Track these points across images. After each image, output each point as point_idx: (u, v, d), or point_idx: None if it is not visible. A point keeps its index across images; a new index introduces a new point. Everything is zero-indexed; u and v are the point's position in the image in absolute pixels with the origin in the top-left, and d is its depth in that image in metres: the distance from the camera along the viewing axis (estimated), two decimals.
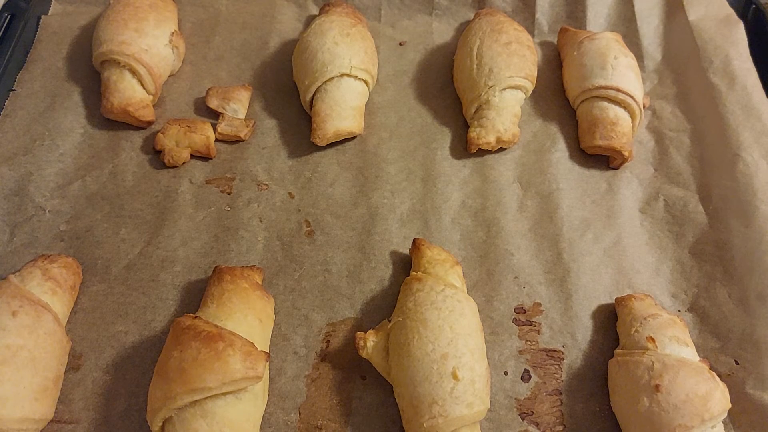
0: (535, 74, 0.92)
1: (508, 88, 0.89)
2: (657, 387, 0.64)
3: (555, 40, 1.03)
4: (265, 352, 0.64)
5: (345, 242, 0.81)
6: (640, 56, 0.99)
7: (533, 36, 1.02)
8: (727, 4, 1.00)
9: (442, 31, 1.04)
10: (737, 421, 0.69)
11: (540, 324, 0.75)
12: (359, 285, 0.78)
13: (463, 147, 0.90)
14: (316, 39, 0.90)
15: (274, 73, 0.97)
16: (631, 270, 0.80)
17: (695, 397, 0.63)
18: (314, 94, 0.89)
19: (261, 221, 0.83)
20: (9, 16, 0.98)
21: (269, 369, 0.70)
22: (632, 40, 1.00)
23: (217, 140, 0.89)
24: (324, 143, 0.87)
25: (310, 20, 1.03)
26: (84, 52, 0.96)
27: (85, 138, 0.89)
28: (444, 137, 0.92)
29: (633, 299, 0.75)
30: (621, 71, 0.88)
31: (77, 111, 0.91)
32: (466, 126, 0.91)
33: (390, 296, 0.77)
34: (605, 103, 0.88)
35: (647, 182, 0.88)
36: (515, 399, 0.70)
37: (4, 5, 0.99)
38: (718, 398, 0.63)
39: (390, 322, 0.70)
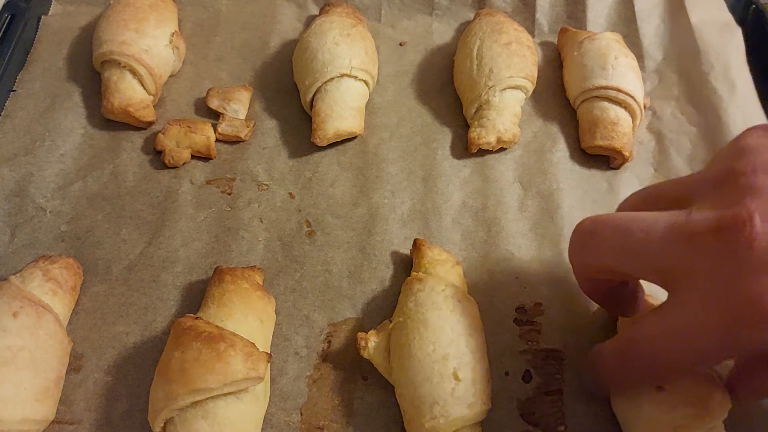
0: (536, 74, 0.92)
1: (508, 88, 0.89)
2: (657, 387, 0.64)
3: (555, 40, 1.03)
4: (267, 353, 0.64)
5: (345, 242, 0.81)
6: (640, 56, 0.99)
7: (533, 36, 1.02)
8: (726, 8, 1.00)
9: (442, 32, 1.04)
10: (737, 421, 0.69)
11: (541, 324, 0.75)
12: (360, 285, 0.78)
13: (464, 147, 0.90)
14: (316, 39, 0.90)
15: (275, 74, 0.97)
16: None
17: (695, 398, 0.63)
18: (314, 94, 0.89)
19: (261, 221, 0.83)
20: (9, 16, 0.98)
21: (270, 369, 0.70)
22: (632, 40, 1.00)
23: (217, 140, 0.89)
24: (324, 143, 0.87)
25: (310, 20, 1.03)
26: (84, 53, 0.96)
27: (86, 138, 0.89)
28: (444, 137, 0.92)
29: None
30: (621, 71, 0.88)
31: (78, 111, 0.91)
32: (467, 126, 0.91)
33: (391, 296, 0.77)
34: (606, 104, 0.88)
35: (647, 182, 0.88)
36: (516, 399, 0.70)
37: (4, 5, 0.99)
38: (719, 398, 0.63)
39: (391, 322, 0.70)
